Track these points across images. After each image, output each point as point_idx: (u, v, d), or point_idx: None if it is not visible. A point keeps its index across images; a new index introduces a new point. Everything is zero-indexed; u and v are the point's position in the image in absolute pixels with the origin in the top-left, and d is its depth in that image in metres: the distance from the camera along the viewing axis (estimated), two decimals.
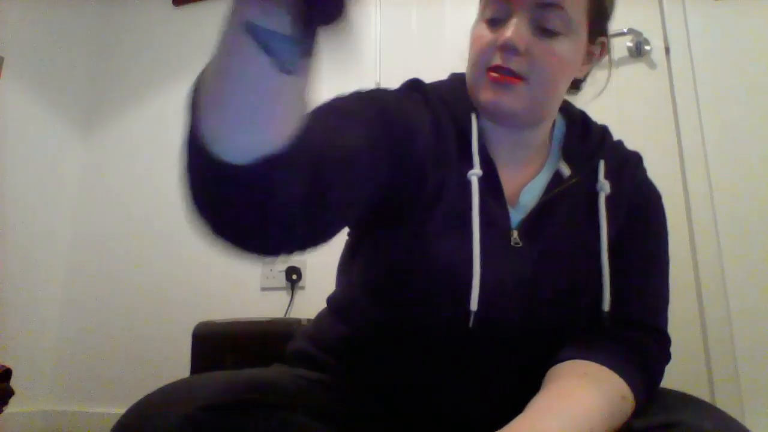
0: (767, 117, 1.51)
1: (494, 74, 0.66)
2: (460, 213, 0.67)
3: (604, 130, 0.79)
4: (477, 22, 0.72)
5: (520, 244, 0.68)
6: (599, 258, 0.69)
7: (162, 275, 2.09)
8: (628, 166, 0.77)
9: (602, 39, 0.74)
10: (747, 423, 0.61)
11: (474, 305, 0.63)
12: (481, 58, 0.68)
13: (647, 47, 1.67)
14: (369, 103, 0.67)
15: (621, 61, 1.70)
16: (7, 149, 2.03)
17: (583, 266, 0.69)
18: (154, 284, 2.10)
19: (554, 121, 0.79)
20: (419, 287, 0.66)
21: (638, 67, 1.68)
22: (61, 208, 2.25)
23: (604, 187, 0.72)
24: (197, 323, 1.57)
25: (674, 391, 0.66)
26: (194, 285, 2.03)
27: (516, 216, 0.70)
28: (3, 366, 1.35)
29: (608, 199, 0.72)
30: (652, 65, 1.67)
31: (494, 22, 0.68)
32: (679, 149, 1.58)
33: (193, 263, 2.06)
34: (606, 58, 0.80)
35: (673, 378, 0.74)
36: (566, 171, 0.73)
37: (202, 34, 2.31)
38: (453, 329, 0.65)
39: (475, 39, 0.70)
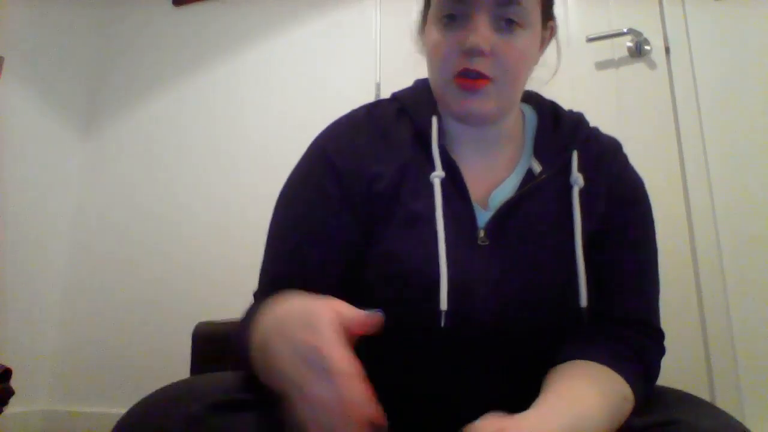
0: (767, 117, 1.51)
1: (463, 81, 0.67)
2: (425, 215, 0.67)
3: (577, 120, 0.77)
4: (429, 25, 0.71)
5: (487, 243, 0.67)
6: (574, 253, 0.67)
7: (162, 275, 2.09)
8: (605, 156, 0.74)
9: (551, 23, 0.74)
10: (747, 423, 0.60)
11: (444, 305, 0.63)
12: (445, 64, 0.68)
13: (647, 47, 1.67)
14: (315, 176, 0.71)
15: (621, 61, 1.70)
16: (7, 149, 2.03)
17: (557, 263, 0.67)
18: (154, 284, 2.10)
19: (524, 116, 0.78)
20: (389, 289, 0.66)
21: (638, 67, 1.68)
22: (61, 208, 2.25)
23: (578, 180, 0.70)
24: (197, 323, 1.57)
25: (674, 389, 0.66)
26: (194, 285, 2.03)
27: (485, 216, 0.69)
28: (3, 366, 1.35)
29: (584, 192, 0.70)
30: (652, 65, 1.67)
31: (451, 20, 0.67)
32: (679, 149, 1.58)
33: (194, 263, 2.06)
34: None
35: (673, 377, 0.73)
36: (537, 168, 0.72)
37: (202, 34, 2.31)
38: (427, 330, 0.65)
39: (435, 45, 0.69)
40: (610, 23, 1.71)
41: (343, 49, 2.07)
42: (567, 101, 0.82)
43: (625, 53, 1.69)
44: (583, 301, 0.66)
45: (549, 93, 0.83)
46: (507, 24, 0.66)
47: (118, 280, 2.16)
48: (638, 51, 1.67)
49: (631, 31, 1.66)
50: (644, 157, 1.58)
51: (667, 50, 1.65)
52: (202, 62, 2.28)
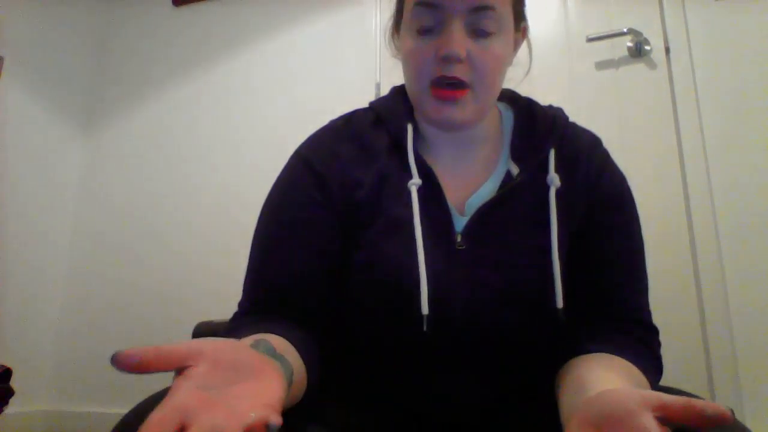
0: (767, 117, 1.51)
1: (441, 90, 0.67)
2: (403, 222, 0.68)
3: (554, 116, 0.76)
4: (403, 33, 0.71)
5: (464, 247, 0.68)
6: (551, 255, 0.67)
7: (162, 275, 2.09)
8: (583, 152, 0.74)
9: (523, 24, 0.75)
10: (747, 423, 0.60)
11: (425, 309, 0.64)
12: (421, 72, 0.68)
13: (647, 47, 1.67)
14: (300, 187, 0.72)
15: (621, 61, 1.70)
16: (7, 149, 2.03)
17: (533, 264, 0.68)
18: (154, 284, 2.10)
19: (501, 115, 0.78)
20: (371, 295, 0.67)
21: (638, 67, 1.68)
22: (61, 207, 2.25)
23: (554, 180, 0.70)
24: (197, 323, 1.57)
25: (674, 389, 0.66)
26: (194, 285, 2.03)
27: (462, 221, 0.70)
28: (3, 366, 1.35)
29: (563, 191, 0.70)
30: (652, 65, 1.67)
31: (425, 31, 0.68)
32: (679, 149, 1.58)
33: (193, 263, 2.06)
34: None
35: (673, 378, 0.74)
36: (515, 169, 0.72)
37: (202, 34, 2.31)
38: (410, 335, 0.65)
39: (410, 53, 0.69)
40: (610, 23, 1.71)
41: (343, 49, 2.07)
42: (567, 101, 0.82)
43: (625, 53, 1.69)
44: (559, 303, 0.66)
45: (549, 93, 0.83)
46: (481, 30, 0.66)
47: (118, 280, 2.16)
48: (638, 51, 1.67)
49: (631, 31, 1.66)
50: (644, 157, 1.59)
51: (667, 50, 1.66)
52: (202, 62, 2.28)
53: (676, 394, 0.63)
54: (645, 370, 0.61)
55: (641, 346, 0.66)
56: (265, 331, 0.59)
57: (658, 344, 0.69)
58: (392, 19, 0.78)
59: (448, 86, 0.67)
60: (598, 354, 0.62)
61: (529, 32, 0.78)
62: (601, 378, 0.55)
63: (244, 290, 0.71)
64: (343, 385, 0.72)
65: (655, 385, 0.62)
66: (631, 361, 0.61)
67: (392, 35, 0.79)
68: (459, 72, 0.66)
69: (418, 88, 0.70)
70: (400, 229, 0.68)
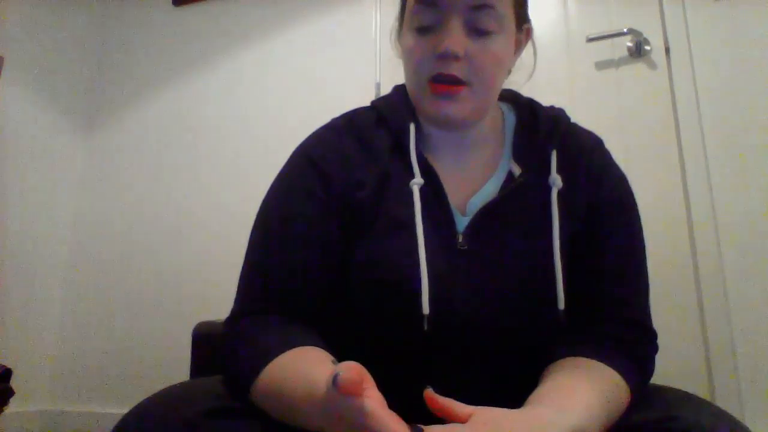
0: (767, 117, 1.51)
1: (438, 85, 0.67)
2: (405, 221, 0.68)
3: (556, 117, 0.76)
4: (405, 31, 0.72)
5: (466, 247, 0.68)
6: (552, 256, 0.67)
7: (162, 275, 2.09)
8: (584, 154, 0.74)
9: (527, 26, 0.75)
10: (747, 423, 0.60)
11: (426, 309, 0.64)
12: (420, 69, 0.69)
13: (647, 47, 1.67)
14: (304, 184, 0.72)
15: (621, 61, 1.70)
16: (7, 149, 2.03)
17: (535, 266, 0.68)
18: (154, 284, 2.10)
19: (503, 116, 0.78)
20: (372, 295, 0.67)
21: (638, 67, 1.68)
22: (61, 208, 2.25)
23: (556, 181, 0.70)
24: (197, 323, 1.57)
25: (674, 388, 0.66)
26: (194, 285, 2.03)
27: (464, 221, 0.70)
28: (3, 366, 1.35)
29: (564, 192, 0.70)
30: (652, 65, 1.67)
31: (425, 29, 0.68)
32: (679, 149, 1.58)
33: (193, 263, 2.06)
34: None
35: (673, 378, 0.74)
36: (517, 170, 0.72)
37: (202, 34, 2.31)
38: (410, 335, 0.65)
39: (409, 50, 0.70)
40: (610, 23, 1.71)
41: (343, 49, 2.07)
42: (567, 101, 0.82)
43: (625, 53, 1.69)
44: (561, 304, 0.66)
45: (549, 93, 0.83)
46: (481, 28, 0.66)
47: (119, 280, 2.16)
48: (638, 51, 1.67)
49: (631, 31, 1.66)
50: (644, 158, 1.59)
51: (667, 50, 1.66)
52: (202, 62, 2.28)
53: (676, 394, 0.64)
54: (621, 371, 0.61)
55: (621, 348, 0.65)
56: (285, 340, 0.60)
57: (654, 348, 0.69)
58: (398, 19, 0.78)
59: (445, 82, 0.67)
60: (566, 360, 0.63)
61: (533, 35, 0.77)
62: (560, 384, 0.58)
63: (241, 288, 0.71)
64: None
65: (635, 383, 0.62)
66: (605, 362, 0.61)
67: (398, 35, 0.79)
68: (456, 70, 0.66)
69: (416, 85, 0.70)
70: (401, 229, 0.68)
